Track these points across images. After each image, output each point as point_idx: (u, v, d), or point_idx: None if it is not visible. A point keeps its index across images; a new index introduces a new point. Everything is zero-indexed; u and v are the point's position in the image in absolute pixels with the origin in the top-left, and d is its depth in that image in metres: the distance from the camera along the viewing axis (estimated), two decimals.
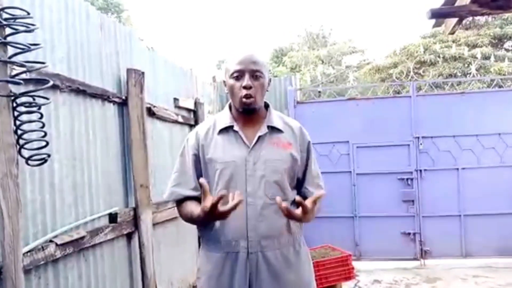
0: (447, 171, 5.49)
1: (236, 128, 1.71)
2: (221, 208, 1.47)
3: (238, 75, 1.67)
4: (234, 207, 1.46)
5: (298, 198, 1.52)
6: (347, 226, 5.63)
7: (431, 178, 5.52)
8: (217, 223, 1.67)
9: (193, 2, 46.22)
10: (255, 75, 1.67)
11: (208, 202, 1.48)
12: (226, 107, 1.80)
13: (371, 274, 5.11)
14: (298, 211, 1.54)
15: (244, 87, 1.65)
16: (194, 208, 1.65)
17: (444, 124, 5.48)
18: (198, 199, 1.69)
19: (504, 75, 9.79)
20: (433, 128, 5.49)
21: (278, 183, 1.67)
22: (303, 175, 1.79)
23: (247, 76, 1.66)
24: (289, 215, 1.54)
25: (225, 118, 1.76)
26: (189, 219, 1.71)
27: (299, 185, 1.79)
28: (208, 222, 1.66)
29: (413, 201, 5.52)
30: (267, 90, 1.76)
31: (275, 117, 1.78)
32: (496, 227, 5.36)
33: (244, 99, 1.66)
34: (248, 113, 1.72)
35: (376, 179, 5.59)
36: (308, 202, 1.54)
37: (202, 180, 1.55)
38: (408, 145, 5.54)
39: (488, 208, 5.38)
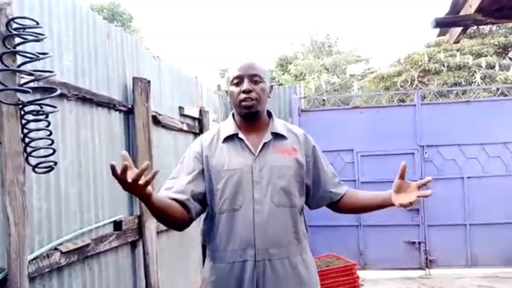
0: (452, 180, 5.46)
1: (241, 135, 1.72)
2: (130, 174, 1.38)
3: (238, 81, 1.70)
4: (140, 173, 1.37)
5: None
6: (352, 235, 5.61)
7: (436, 187, 5.45)
8: (223, 233, 1.66)
9: (198, 10, 46.59)
10: (254, 80, 1.69)
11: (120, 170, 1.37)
12: (230, 116, 1.81)
13: (376, 283, 5.08)
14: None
15: (243, 91, 1.67)
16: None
17: (449, 132, 5.46)
18: (181, 203, 1.63)
19: (509, 84, 9.77)
20: (438, 137, 5.48)
21: (284, 189, 1.67)
22: (318, 180, 1.79)
23: (246, 81, 1.68)
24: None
25: (229, 126, 1.77)
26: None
27: (316, 191, 1.80)
28: (212, 231, 1.63)
29: (418, 210, 5.49)
30: (269, 97, 1.77)
31: (279, 124, 1.80)
32: (502, 236, 5.32)
33: (243, 103, 1.68)
34: (250, 117, 1.72)
35: (381, 188, 5.44)
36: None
37: (124, 152, 1.48)
38: (413, 153, 5.53)
39: (494, 217, 5.35)
